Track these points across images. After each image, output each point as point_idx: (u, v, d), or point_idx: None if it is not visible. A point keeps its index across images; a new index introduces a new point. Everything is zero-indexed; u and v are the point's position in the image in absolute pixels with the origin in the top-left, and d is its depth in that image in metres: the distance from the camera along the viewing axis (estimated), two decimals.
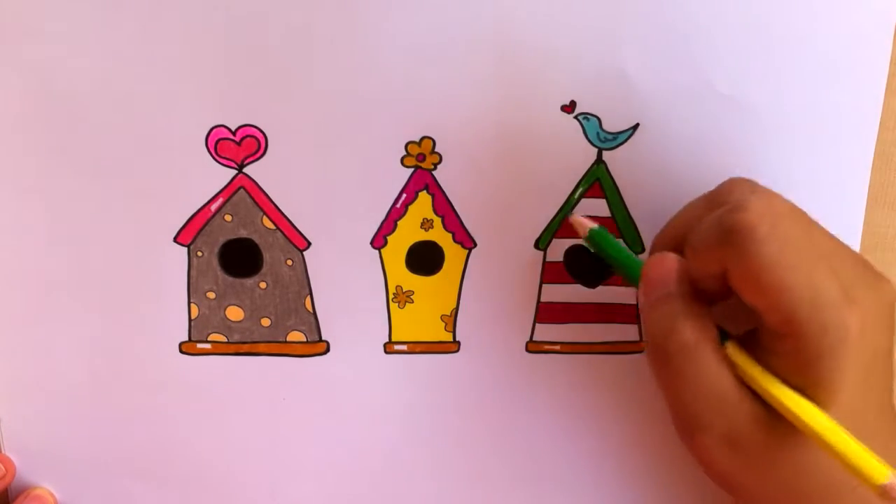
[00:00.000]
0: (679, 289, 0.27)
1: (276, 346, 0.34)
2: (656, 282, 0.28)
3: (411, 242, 0.33)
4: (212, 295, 0.33)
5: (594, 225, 0.31)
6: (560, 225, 0.33)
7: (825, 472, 0.26)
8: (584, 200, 0.33)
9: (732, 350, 0.27)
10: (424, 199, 0.32)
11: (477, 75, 0.31)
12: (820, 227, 0.27)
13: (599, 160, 0.32)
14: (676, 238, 0.29)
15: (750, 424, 0.26)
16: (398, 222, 0.33)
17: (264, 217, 0.33)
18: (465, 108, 0.31)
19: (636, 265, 0.29)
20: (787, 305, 0.25)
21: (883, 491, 0.23)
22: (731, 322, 0.28)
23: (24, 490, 0.35)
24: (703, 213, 0.29)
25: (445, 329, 0.34)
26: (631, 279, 0.30)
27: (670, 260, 0.28)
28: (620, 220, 0.33)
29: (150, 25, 0.30)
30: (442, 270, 0.33)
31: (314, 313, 0.34)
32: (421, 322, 0.34)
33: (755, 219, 0.25)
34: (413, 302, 0.34)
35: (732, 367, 0.27)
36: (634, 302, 0.34)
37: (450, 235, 0.33)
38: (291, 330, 0.34)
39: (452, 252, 0.33)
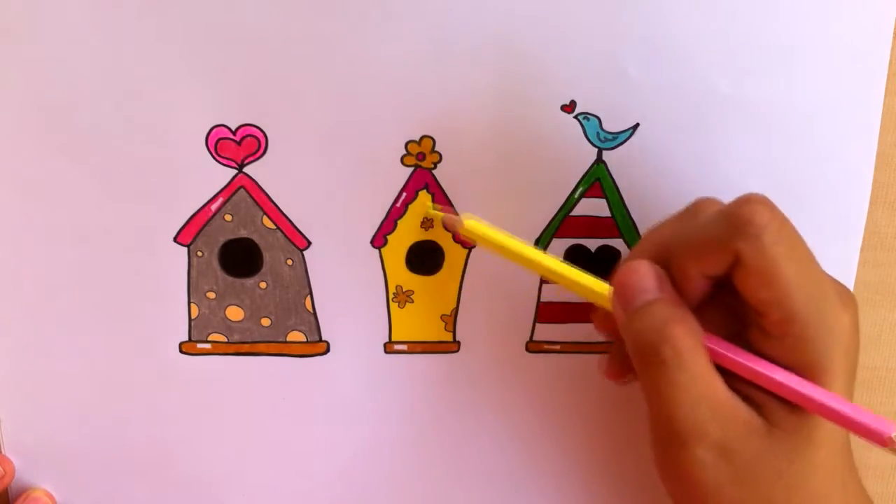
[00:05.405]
0: (662, 294, 0.27)
1: (276, 346, 0.34)
2: (636, 289, 0.27)
3: (411, 242, 0.33)
4: (212, 295, 0.33)
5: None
6: (560, 225, 0.33)
7: (817, 485, 0.26)
8: (584, 200, 0.33)
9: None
10: (424, 198, 0.32)
11: (477, 75, 0.31)
12: None
13: (599, 160, 0.32)
14: (652, 253, 0.29)
15: (745, 432, 0.26)
16: (398, 222, 0.33)
17: (264, 217, 0.33)
18: (465, 108, 0.31)
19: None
20: (793, 301, 0.25)
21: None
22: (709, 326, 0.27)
23: (23, 491, 0.35)
24: (677, 228, 0.28)
25: (445, 329, 0.34)
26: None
27: (645, 266, 0.27)
28: (620, 220, 0.33)
29: (151, 25, 0.30)
30: (442, 270, 0.33)
31: (314, 313, 0.34)
32: (421, 322, 0.34)
33: (768, 213, 0.25)
34: (413, 302, 0.34)
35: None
36: None
37: (450, 235, 0.33)
38: (291, 330, 0.34)
39: (452, 252, 0.33)
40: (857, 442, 0.27)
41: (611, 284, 0.28)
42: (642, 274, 0.27)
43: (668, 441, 0.26)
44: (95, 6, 0.29)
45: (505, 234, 0.31)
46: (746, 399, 0.26)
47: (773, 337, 0.26)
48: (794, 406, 0.26)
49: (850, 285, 0.34)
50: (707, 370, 0.26)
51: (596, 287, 0.29)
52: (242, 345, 0.34)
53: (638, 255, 0.29)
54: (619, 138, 0.32)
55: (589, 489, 0.36)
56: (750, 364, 0.26)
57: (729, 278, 0.26)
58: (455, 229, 0.32)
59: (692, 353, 0.26)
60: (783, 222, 0.25)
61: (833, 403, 0.25)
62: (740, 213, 0.25)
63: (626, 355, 0.28)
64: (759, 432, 0.26)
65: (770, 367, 0.26)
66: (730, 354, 0.26)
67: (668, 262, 0.28)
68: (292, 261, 0.33)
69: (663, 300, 0.27)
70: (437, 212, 0.32)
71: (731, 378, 0.26)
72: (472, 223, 0.31)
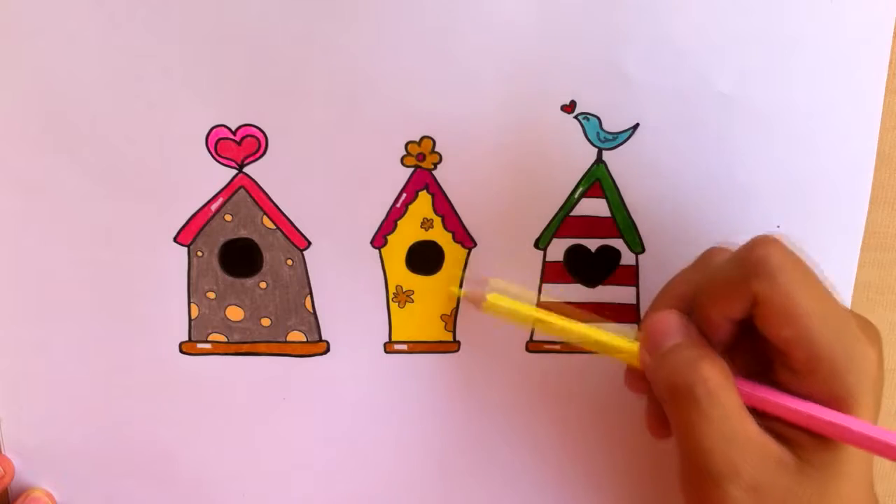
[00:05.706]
0: (689, 338, 0.27)
1: (276, 346, 0.34)
2: (663, 335, 0.28)
3: (411, 242, 0.33)
4: (212, 295, 0.33)
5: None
6: (560, 225, 0.33)
7: None
8: (584, 200, 0.33)
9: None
10: (424, 198, 0.32)
11: (477, 75, 0.31)
12: None
13: (599, 160, 0.32)
14: (672, 305, 0.29)
15: (776, 469, 0.26)
16: (398, 222, 0.33)
17: (264, 217, 0.33)
18: (465, 108, 0.31)
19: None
20: (818, 336, 0.25)
21: None
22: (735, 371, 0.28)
23: (23, 490, 0.35)
24: (694, 278, 0.29)
25: (445, 329, 0.34)
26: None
27: (670, 313, 0.28)
28: (620, 220, 0.33)
29: (151, 26, 0.30)
30: (442, 270, 0.33)
31: (314, 313, 0.34)
32: (421, 322, 0.34)
33: (780, 254, 0.25)
34: (413, 302, 0.34)
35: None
36: (634, 301, 0.34)
37: (450, 235, 0.33)
38: (291, 330, 0.34)
39: (452, 252, 0.33)
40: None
41: (638, 338, 0.29)
42: (668, 321, 0.28)
43: (699, 479, 0.26)
44: (95, 6, 0.29)
45: (527, 306, 0.31)
46: (776, 436, 0.26)
47: (802, 375, 0.26)
48: (824, 441, 0.26)
49: (850, 285, 0.34)
50: (738, 407, 0.26)
51: (627, 346, 0.29)
52: (242, 345, 0.34)
53: (659, 308, 0.29)
54: (619, 138, 0.32)
55: (588, 489, 0.36)
56: (780, 401, 0.26)
57: (751, 322, 0.26)
58: (478, 305, 0.32)
59: (724, 389, 0.26)
60: (797, 261, 0.26)
61: (872, 433, 0.25)
62: (753, 255, 0.26)
63: (661, 410, 0.28)
64: (789, 469, 0.26)
65: (801, 402, 0.26)
66: (758, 393, 0.27)
67: (689, 312, 0.28)
68: (292, 261, 0.33)
69: (691, 342, 0.27)
70: (459, 290, 0.33)
71: (759, 417, 0.26)
72: (494, 297, 0.31)
